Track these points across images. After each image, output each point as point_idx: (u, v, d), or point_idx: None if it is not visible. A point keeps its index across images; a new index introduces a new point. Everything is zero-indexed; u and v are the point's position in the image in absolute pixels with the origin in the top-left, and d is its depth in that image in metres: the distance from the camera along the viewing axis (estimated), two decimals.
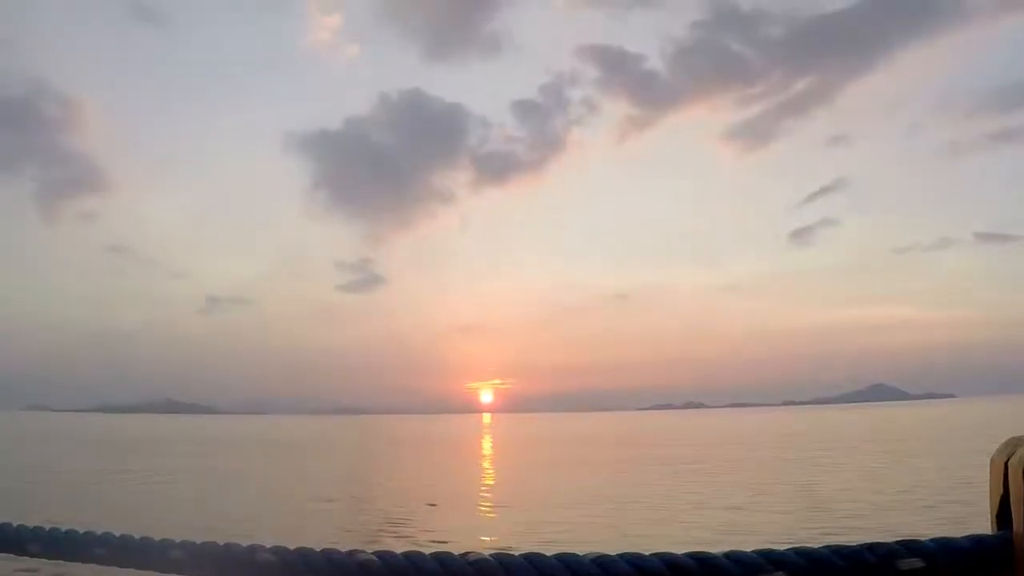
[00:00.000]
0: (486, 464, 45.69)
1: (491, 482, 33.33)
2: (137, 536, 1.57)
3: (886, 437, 58.91)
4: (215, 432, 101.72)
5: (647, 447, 56.83)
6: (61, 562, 1.66)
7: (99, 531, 1.60)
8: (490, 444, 71.59)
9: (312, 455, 53.51)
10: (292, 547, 1.46)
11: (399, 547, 1.46)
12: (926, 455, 39.48)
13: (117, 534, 1.59)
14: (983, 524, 1.40)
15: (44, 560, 1.67)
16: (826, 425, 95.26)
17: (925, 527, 16.85)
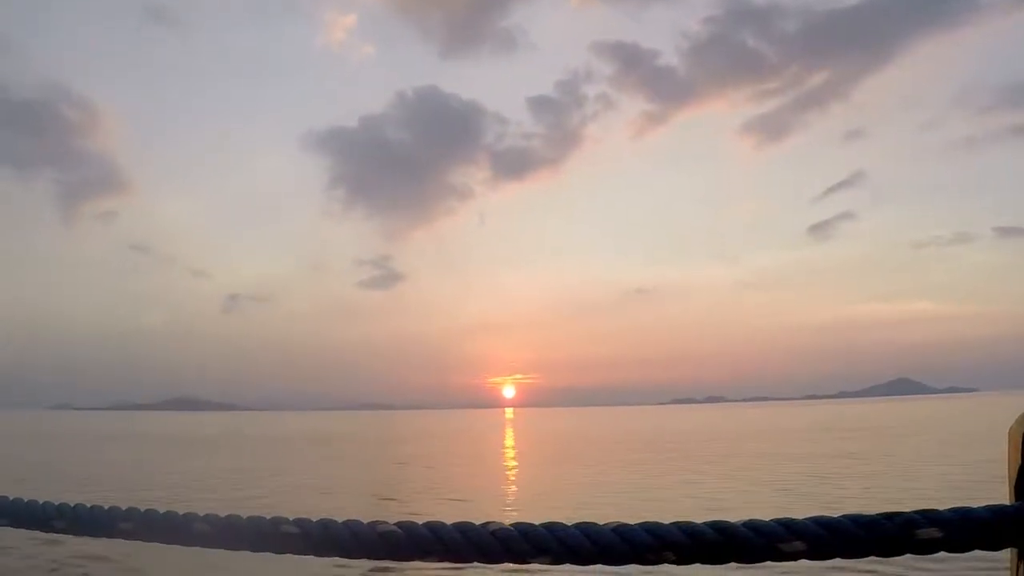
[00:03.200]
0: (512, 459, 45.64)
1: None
2: (161, 511, 1.59)
3: (909, 427, 58.86)
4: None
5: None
6: (88, 538, 1.68)
7: (123, 507, 1.62)
8: (514, 439, 71.41)
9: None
10: (315, 519, 1.48)
11: (420, 518, 1.46)
12: (948, 443, 39.37)
13: (142, 509, 1.60)
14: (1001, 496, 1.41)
15: (71, 536, 1.69)
16: (852, 417, 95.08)
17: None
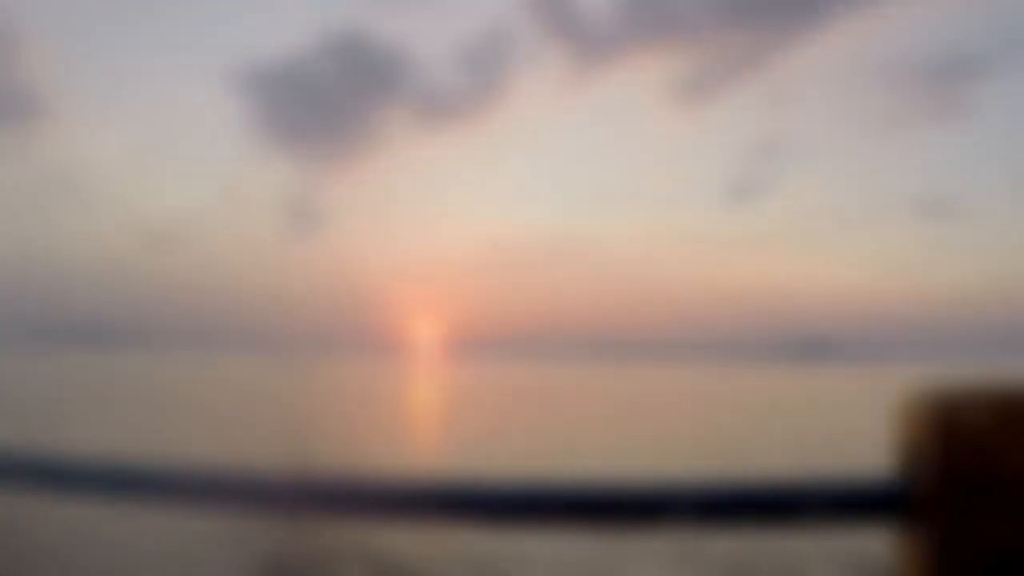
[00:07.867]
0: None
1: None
2: (42, 453, 1.53)
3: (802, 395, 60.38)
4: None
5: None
6: None
7: None
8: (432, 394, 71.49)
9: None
10: (197, 464, 1.43)
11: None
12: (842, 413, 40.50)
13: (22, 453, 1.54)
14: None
15: None
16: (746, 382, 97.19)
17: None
